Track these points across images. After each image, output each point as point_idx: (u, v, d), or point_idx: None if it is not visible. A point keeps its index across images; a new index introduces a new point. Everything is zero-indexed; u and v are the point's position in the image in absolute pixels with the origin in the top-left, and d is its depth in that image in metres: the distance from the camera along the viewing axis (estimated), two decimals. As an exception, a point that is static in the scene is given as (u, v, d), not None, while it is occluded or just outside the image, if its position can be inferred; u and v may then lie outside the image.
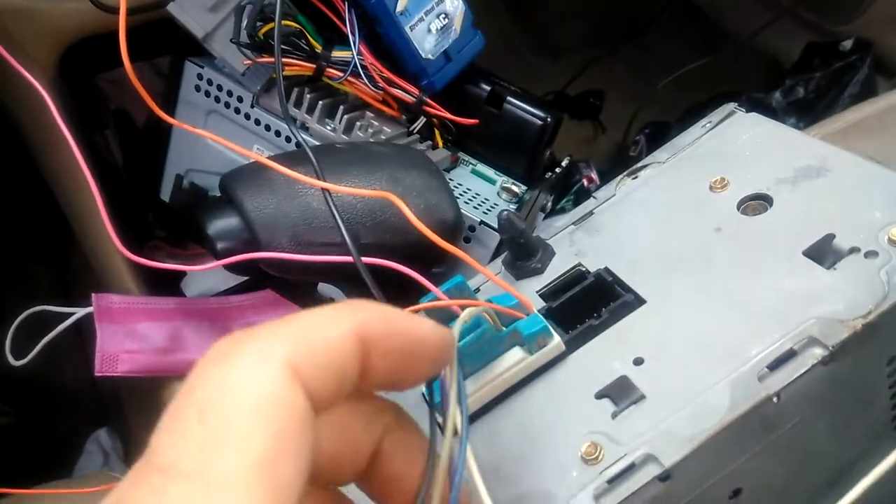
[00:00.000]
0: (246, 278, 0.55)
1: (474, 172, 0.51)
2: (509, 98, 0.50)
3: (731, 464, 0.21)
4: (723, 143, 0.31)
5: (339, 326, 0.16)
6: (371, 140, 0.45)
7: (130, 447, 0.61)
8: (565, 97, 0.83)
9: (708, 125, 0.33)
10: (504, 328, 0.25)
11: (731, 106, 0.33)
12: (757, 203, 0.28)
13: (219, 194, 0.41)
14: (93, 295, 0.50)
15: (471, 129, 0.49)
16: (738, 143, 0.31)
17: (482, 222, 0.46)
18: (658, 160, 0.32)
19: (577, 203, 0.65)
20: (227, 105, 0.47)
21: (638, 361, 0.24)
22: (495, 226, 0.46)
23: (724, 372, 0.22)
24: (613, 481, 0.20)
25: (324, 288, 0.52)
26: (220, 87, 0.47)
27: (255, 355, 0.15)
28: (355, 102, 0.47)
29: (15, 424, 0.60)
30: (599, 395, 0.23)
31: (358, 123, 0.46)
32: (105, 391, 0.62)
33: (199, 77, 0.47)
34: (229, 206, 0.38)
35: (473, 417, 0.24)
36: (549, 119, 0.50)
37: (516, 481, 0.22)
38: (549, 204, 0.59)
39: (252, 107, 0.46)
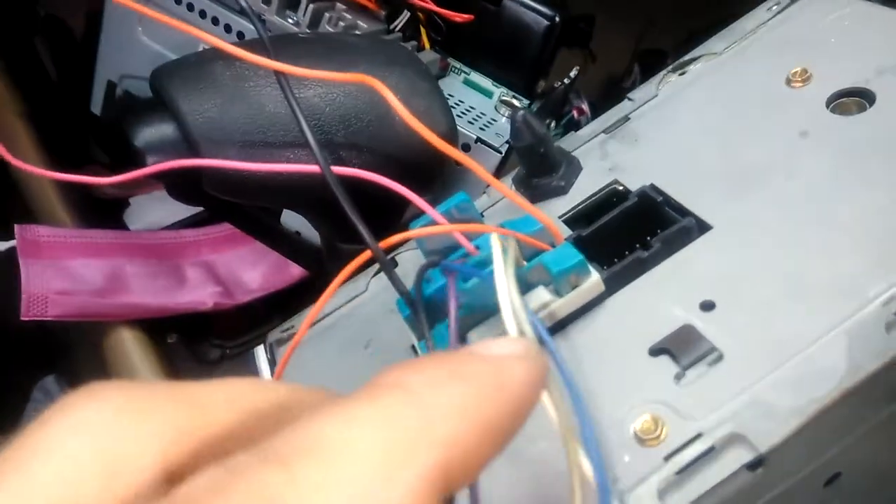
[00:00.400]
0: (198, 210, 0.47)
1: (467, 83, 0.44)
2: (509, -9, 0.42)
3: (839, 444, 0.16)
4: (798, 28, 0.24)
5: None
6: (344, 36, 0.37)
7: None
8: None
9: (775, 7, 0.26)
10: (525, 262, 0.18)
11: (804, -16, 0.26)
12: (853, 100, 0.21)
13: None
14: (15, 226, 0.42)
15: (463, 29, 0.41)
16: (820, 27, 0.24)
17: (479, 139, 0.39)
18: (712, 51, 0.25)
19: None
20: (166, -8, 0.38)
21: (707, 306, 0.17)
22: (494, 144, 0.40)
23: (834, 318, 0.16)
24: (685, 471, 0.15)
25: (288, 219, 0.45)
26: (156, -29, 0.38)
27: None
28: (324, -10, 0.39)
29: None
30: (655, 351, 0.17)
31: (326, 16, 0.38)
32: (53, 334, 0.55)
33: (130, -44, 0.38)
34: (162, 109, 0.31)
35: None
36: (556, 18, 0.42)
37: (548, 464, 0.16)
38: (553, 125, 0.52)
39: (196, -6, 0.38)
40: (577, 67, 0.46)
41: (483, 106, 0.42)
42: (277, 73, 0.21)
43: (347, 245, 0.39)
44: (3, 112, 0.44)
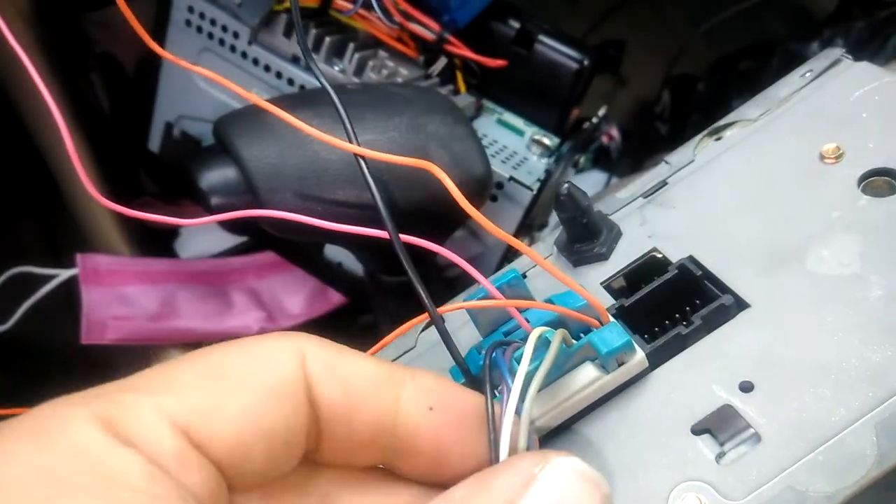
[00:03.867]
0: (244, 239, 0.50)
1: (500, 122, 0.46)
2: (540, 37, 0.44)
3: (867, 524, 0.17)
4: (830, 100, 0.25)
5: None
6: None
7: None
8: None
9: (808, 74, 0.27)
10: (574, 341, 0.20)
11: (838, 52, 0.27)
12: (883, 180, 0.22)
13: (212, 143, 0.35)
14: (77, 255, 0.45)
15: (496, 73, 0.43)
16: (851, 101, 0.25)
17: (511, 178, 0.41)
18: (747, 117, 0.27)
19: (596, 163, 0.59)
20: (222, 42, 0.40)
21: (746, 387, 0.19)
22: (526, 182, 0.42)
23: (863, 406, 0.17)
24: (725, 549, 0.16)
25: (330, 251, 0.47)
26: (213, 22, 0.40)
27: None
28: (367, 40, 0.41)
29: (4, 391, 0.56)
30: (698, 430, 0.18)
31: (370, 63, 0.40)
32: (99, 356, 0.58)
33: (190, 10, 0.40)
34: (224, 155, 0.33)
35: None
36: (585, 61, 0.44)
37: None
38: (582, 161, 0.53)
39: (249, 44, 0.40)
40: (606, 106, 0.47)
41: (515, 145, 0.44)
42: (356, 156, 0.23)
43: (389, 277, 0.41)
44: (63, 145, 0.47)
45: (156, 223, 0.50)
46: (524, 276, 0.26)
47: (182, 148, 0.45)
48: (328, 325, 0.51)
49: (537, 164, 0.44)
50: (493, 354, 0.18)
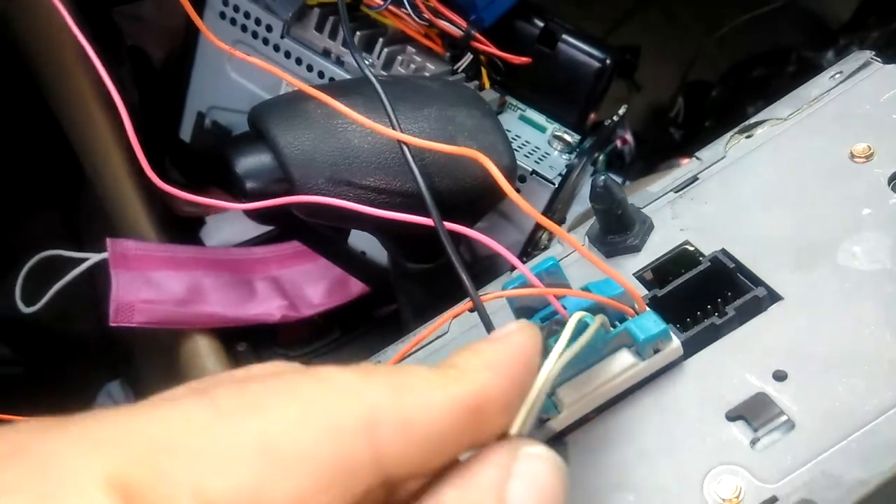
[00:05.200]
0: (269, 228, 0.51)
1: (523, 118, 0.46)
2: (564, 36, 0.45)
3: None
4: (860, 101, 0.26)
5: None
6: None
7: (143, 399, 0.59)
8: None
9: (838, 76, 0.27)
10: (612, 328, 0.20)
11: (867, 54, 0.28)
12: (913, 179, 0.23)
13: (244, 131, 0.36)
14: (107, 240, 0.46)
15: (520, 70, 0.44)
16: (881, 102, 0.25)
17: (534, 172, 0.42)
18: (777, 116, 0.27)
19: (609, 166, 0.60)
20: (255, 35, 0.41)
21: (780, 376, 0.19)
22: (548, 176, 0.42)
23: (894, 394, 0.18)
24: (760, 530, 0.17)
25: (354, 239, 0.47)
26: (247, 15, 0.41)
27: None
28: (396, 35, 0.42)
29: (26, 375, 0.57)
30: (732, 416, 0.19)
31: (399, 58, 0.41)
32: (117, 341, 0.59)
33: (225, 3, 0.41)
34: (259, 141, 0.34)
35: (564, 433, 0.20)
36: (607, 60, 0.44)
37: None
38: (602, 158, 0.54)
39: (282, 37, 0.41)
40: (626, 106, 0.48)
41: (537, 140, 0.45)
42: (400, 143, 0.24)
43: (414, 264, 0.42)
44: (103, 138, 0.48)
45: (180, 212, 0.52)
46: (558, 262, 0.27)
47: (213, 137, 0.46)
48: (346, 314, 0.52)
49: (558, 160, 0.45)
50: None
